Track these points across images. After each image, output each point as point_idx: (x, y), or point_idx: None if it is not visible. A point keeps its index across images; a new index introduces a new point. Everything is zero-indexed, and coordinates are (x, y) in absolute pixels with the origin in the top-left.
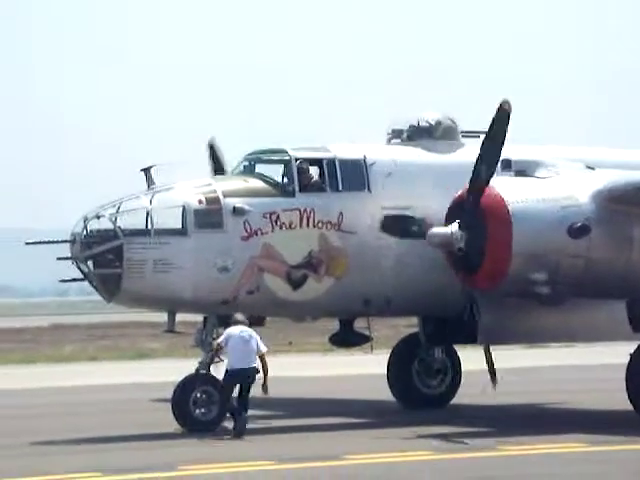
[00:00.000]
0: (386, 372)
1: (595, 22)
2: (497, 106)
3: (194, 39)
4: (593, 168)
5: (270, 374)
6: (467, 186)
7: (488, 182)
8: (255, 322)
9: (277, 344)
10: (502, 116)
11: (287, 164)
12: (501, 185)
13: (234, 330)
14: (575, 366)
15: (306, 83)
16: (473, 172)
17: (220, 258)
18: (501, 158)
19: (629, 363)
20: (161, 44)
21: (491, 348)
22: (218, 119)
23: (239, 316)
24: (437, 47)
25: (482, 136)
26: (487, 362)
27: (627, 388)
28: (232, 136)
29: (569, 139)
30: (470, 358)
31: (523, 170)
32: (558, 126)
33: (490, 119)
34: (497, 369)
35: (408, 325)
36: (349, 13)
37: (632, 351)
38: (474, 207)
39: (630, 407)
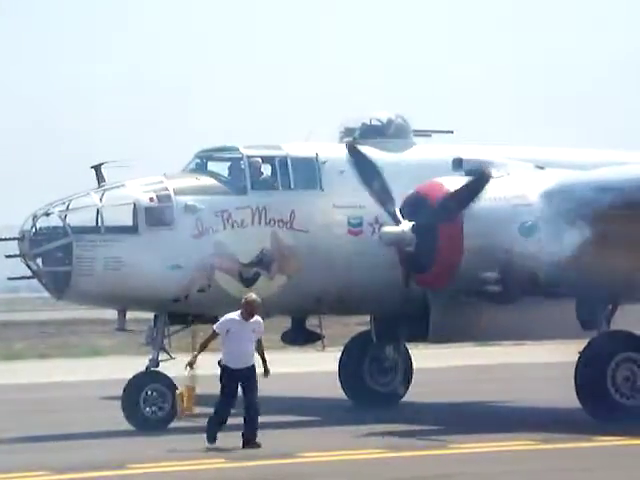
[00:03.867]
0: (338, 370)
1: (542, 21)
2: (479, 173)
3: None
4: (543, 168)
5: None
6: (419, 185)
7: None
8: (208, 321)
9: None
10: (479, 183)
11: (239, 162)
12: (452, 184)
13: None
14: (525, 364)
15: (260, 82)
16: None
17: (171, 256)
18: (452, 158)
19: (578, 361)
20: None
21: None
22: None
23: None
24: (389, 46)
25: (433, 135)
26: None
27: (576, 386)
28: (182, 135)
29: (520, 139)
30: (421, 356)
31: (474, 170)
32: (509, 125)
33: (470, 179)
34: (448, 367)
35: (360, 323)
36: (302, 10)
37: (581, 349)
38: (426, 206)
39: (579, 405)
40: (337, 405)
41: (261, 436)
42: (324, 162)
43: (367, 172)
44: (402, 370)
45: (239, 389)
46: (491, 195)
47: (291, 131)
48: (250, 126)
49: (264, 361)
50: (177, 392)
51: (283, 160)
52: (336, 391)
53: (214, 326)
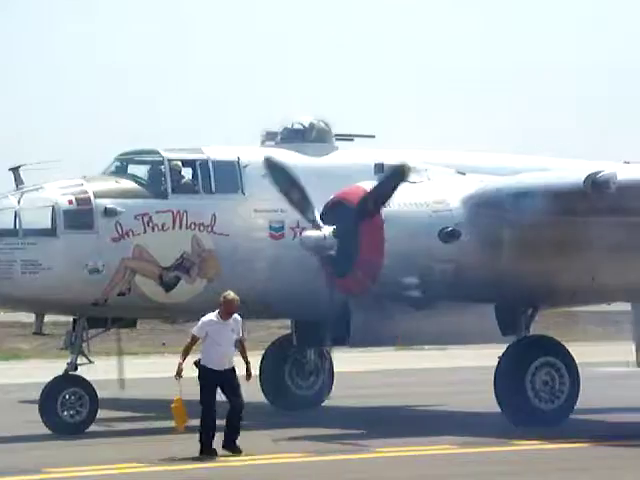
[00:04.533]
0: (259, 373)
1: (471, 23)
2: (396, 166)
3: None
4: (464, 173)
5: (141, 376)
6: (340, 189)
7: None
8: (127, 325)
9: (150, 346)
10: (397, 176)
11: (160, 165)
12: None
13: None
14: (446, 368)
15: (181, 85)
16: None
17: (91, 259)
18: (374, 162)
19: (497, 365)
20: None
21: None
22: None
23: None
24: (312, 49)
25: (355, 139)
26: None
27: (495, 390)
28: (102, 137)
29: (441, 143)
30: (343, 360)
31: (391, 165)
32: (431, 130)
33: (387, 173)
34: (369, 371)
35: (281, 327)
36: (224, 9)
37: (501, 354)
38: (347, 210)
39: (498, 409)
40: (257, 409)
41: (182, 440)
42: (245, 166)
43: (285, 183)
44: (323, 374)
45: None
46: (412, 200)
47: (212, 134)
48: (170, 129)
49: (247, 363)
50: (172, 406)
51: (204, 164)
52: (256, 395)
53: (193, 330)
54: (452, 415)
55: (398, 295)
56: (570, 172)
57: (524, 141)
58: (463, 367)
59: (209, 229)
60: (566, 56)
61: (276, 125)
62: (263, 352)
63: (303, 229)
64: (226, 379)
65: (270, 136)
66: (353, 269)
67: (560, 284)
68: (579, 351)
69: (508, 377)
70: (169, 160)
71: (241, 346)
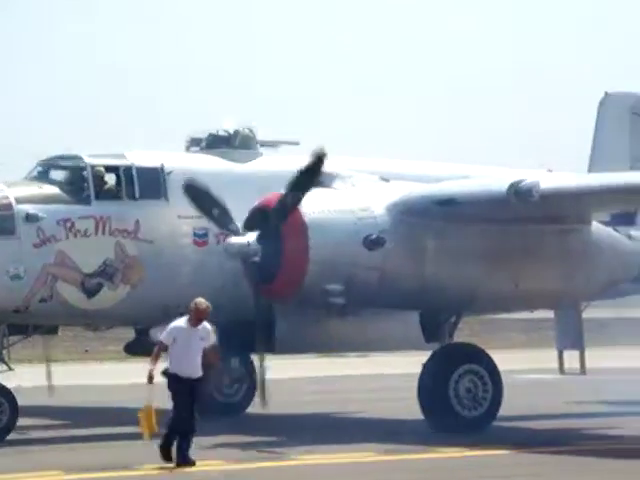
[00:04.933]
0: None
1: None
2: (314, 152)
3: None
4: (388, 180)
5: (65, 383)
6: (265, 195)
7: (287, 213)
8: (48, 331)
9: (72, 352)
10: (316, 163)
11: (82, 171)
12: None
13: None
14: (370, 375)
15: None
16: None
17: (12, 265)
18: (298, 168)
19: (421, 373)
20: None
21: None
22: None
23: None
24: (238, 56)
25: (280, 146)
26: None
27: (419, 397)
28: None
29: (365, 151)
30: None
31: (320, 181)
32: (354, 137)
33: (306, 161)
34: (295, 378)
35: None
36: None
37: (425, 361)
38: (271, 217)
39: (422, 416)
40: None
41: (99, 448)
42: (169, 172)
43: (205, 203)
44: (247, 381)
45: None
46: (337, 207)
47: (136, 139)
48: (93, 134)
49: (215, 369)
50: (140, 414)
51: (128, 169)
52: None
53: (160, 337)
54: (375, 422)
55: (322, 302)
56: (494, 180)
57: (447, 153)
58: (387, 374)
59: (132, 235)
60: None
61: (201, 131)
62: None
63: (227, 235)
64: (194, 389)
65: (195, 142)
66: (277, 276)
67: (484, 291)
68: (502, 358)
69: (431, 384)
70: (92, 166)
71: (213, 355)
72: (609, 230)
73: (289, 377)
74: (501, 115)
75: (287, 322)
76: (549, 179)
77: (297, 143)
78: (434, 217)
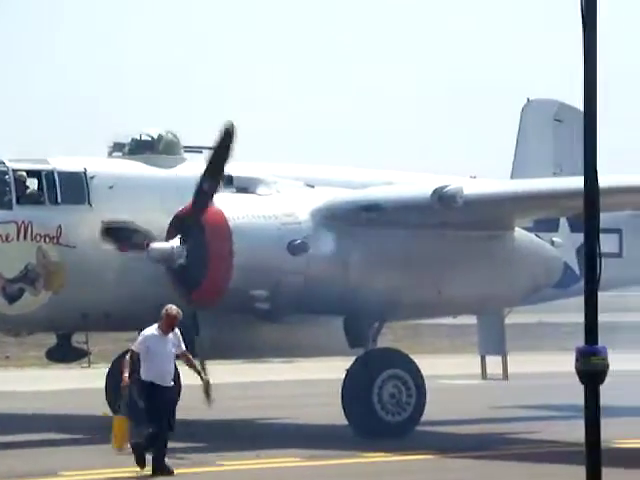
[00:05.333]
0: (105, 387)
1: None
2: (222, 128)
3: None
4: (313, 186)
5: None
6: (188, 201)
7: (211, 199)
8: None
9: None
10: (226, 138)
11: (4, 175)
12: (222, 201)
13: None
14: (294, 381)
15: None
16: (197, 188)
17: None
18: (223, 175)
19: (345, 378)
20: None
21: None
22: None
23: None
24: (162, 59)
25: (205, 151)
26: (202, 379)
27: (343, 403)
28: None
29: (289, 157)
30: (188, 374)
31: (245, 187)
32: (280, 143)
33: (215, 139)
34: (217, 384)
35: (131, 339)
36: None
37: (348, 366)
38: (195, 222)
39: (346, 421)
40: (102, 423)
41: (22, 455)
42: (92, 177)
43: (125, 240)
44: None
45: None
46: (261, 213)
47: (58, 144)
48: (15, 138)
49: (198, 372)
50: (114, 423)
51: (50, 174)
52: (102, 409)
53: (132, 346)
54: (300, 428)
55: (247, 307)
56: (417, 186)
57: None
58: (311, 380)
59: (55, 240)
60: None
61: (124, 136)
62: (110, 365)
63: (150, 241)
64: (164, 397)
65: (118, 147)
66: (202, 281)
67: (407, 297)
68: (426, 363)
69: (355, 389)
70: (14, 170)
71: (187, 359)
72: (532, 236)
73: (212, 382)
74: (426, 121)
75: (211, 328)
76: (473, 185)
77: None
78: (358, 223)
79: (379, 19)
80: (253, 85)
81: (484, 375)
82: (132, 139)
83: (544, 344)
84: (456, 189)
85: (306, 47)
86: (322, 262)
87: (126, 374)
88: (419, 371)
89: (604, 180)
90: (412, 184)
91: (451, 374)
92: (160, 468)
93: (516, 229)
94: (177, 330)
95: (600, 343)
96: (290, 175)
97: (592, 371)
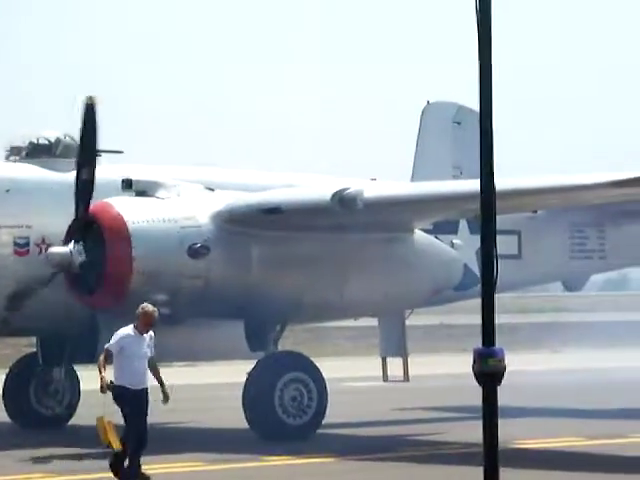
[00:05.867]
0: (2, 393)
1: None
2: (83, 105)
3: None
4: (213, 189)
5: None
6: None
7: (92, 189)
8: None
9: None
10: (89, 114)
11: None
12: (121, 205)
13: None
14: (196, 385)
15: None
16: (79, 187)
17: None
18: (122, 178)
19: (246, 382)
20: None
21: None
22: None
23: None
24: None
25: (103, 155)
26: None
27: (244, 406)
28: None
29: (188, 159)
30: (89, 378)
31: (144, 190)
32: (175, 147)
33: (80, 123)
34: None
35: (29, 344)
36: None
37: (249, 370)
38: (94, 226)
39: (247, 425)
40: (1, 429)
41: None
42: None
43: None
44: (69, 392)
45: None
46: (161, 216)
47: None
48: None
49: (162, 383)
50: (97, 424)
51: None
52: (0, 414)
53: (107, 345)
54: (201, 431)
55: None
56: (318, 188)
57: None
58: (213, 383)
59: None
60: None
61: (21, 140)
62: (8, 370)
63: (49, 245)
64: (138, 400)
65: (15, 151)
66: (101, 286)
67: (309, 300)
68: (328, 366)
69: (256, 393)
70: None
71: (154, 366)
72: (432, 238)
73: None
74: (327, 124)
75: (111, 332)
76: (373, 188)
77: (121, 152)
78: (259, 226)
79: (279, 20)
80: (153, 87)
81: (385, 377)
82: (29, 142)
83: (445, 345)
84: (356, 192)
85: (205, 48)
86: (222, 265)
87: (102, 374)
88: (320, 374)
89: (500, 182)
90: (313, 186)
91: (353, 376)
92: (136, 474)
93: (416, 231)
94: (152, 333)
95: (499, 344)
96: (190, 178)
97: (489, 372)
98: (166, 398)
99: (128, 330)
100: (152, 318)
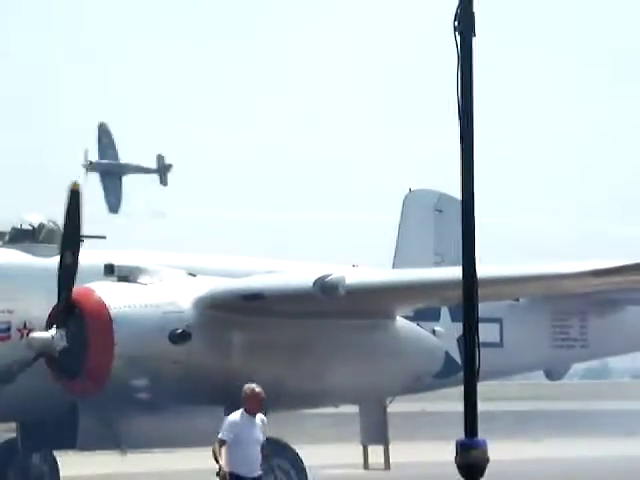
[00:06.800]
0: None
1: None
2: (68, 190)
3: None
4: (195, 275)
5: None
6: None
7: (74, 275)
8: None
9: None
10: (73, 200)
11: None
12: (103, 290)
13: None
14: (174, 471)
15: None
16: (61, 272)
17: None
18: (104, 263)
19: None
20: None
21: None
22: None
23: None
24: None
25: (86, 240)
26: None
27: None
28: None
29: (172, 245)
30: (69, 463)
31: (126, 276)
32: (160, 232)
33: (64, 208)
34: (99, 475)
35: (9, 429)
36: None
37: None
38: (75, 311)
39: None
40: None
41: None
42: None
43: None
44: (48, 479)
45: None
46: (143, 302)
47: None
48: None
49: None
50: None
51: None
52: None
53: (220, 435)
54: None
55: (127, 397)
56: (300, 275)
57: None
58: (190, 470)
59: None
60: None
61: (3, 224)
62: None
63: (30, 330)
64: None
65: None
66: (82, 371)
67: (290, 387)
68: (308, 453)
69: None
70: None
71: (266, 452)
72: (413, 325)
73: (93, 474)
74: (308, 210)
75: (91, 418)
76: (355, 274)
77: (104, 237)
78: (241, 312)
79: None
80: None
81: (366, 465)
82: (12, 227)
83: (427, 433)
84: (338, 278)
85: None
86: (204, 351)
87: (222, 462)
88: (301, 461)
89: (482, 270)
90: (295, 273)
91: (334, 463)
92: None
93: (398, 318)
94: (263, 416)
95: (479, 432)
96: (173, 264)
97: (472, 464)
98: None
99: (236, 416)
100: (259, 398)
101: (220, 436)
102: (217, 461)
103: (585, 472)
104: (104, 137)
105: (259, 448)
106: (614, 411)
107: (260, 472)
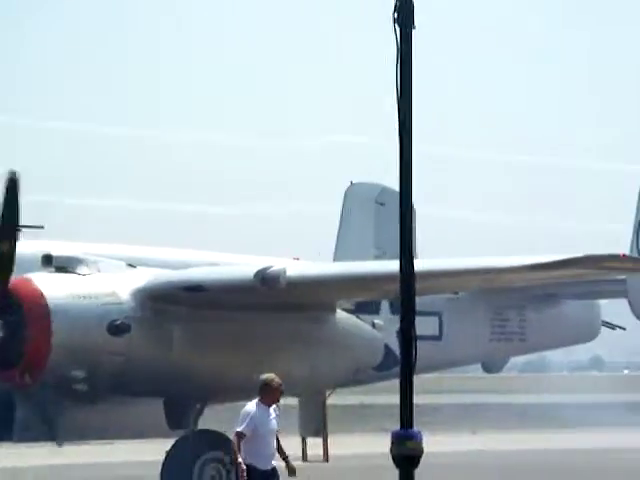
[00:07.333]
0: None
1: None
2: (5, 178)
3: None
4: (135, 266)
5: None
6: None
7: (11, 265)
8: None
9: None
10: (11, 188)
11: None
12: (41, 280)
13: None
14: (114, 463)
15: None
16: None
17: None
18: (42, 253)
19: (165, 460)
20: None
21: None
22: None
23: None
24: None
25: (23, 230)
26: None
27: None
28: None
29: (111, 236)
30: (4, 455)
31: (64, 266)
32: (98, 223)
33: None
34: (32, 467)
35: None
36: None
37: (168, 448)
38: (12, 302)
39: None
40: None
41: None
42: None
43: None
44: None
45: None
46: (81, 293)
47: None
48: None
49: (286, 457)
50: None
51: None
52: None
53: (239, 429)
54: None
55: (65, 388)
56: (241, 267)
57: None
58: (129, 462)
59: None
60: None
61: None
62: None
63: None
64: (273, 478)
65: None
66: (18, 362)
67: (229, 379)
68: None
69: (174, 472)
70: None
71: (278, 440)
72: (354, 318)
73: (28, 465)
74: (251, 203)
75: (27, 409)
76: (295, 267)
77: (42, 227)
78: (181, 303)
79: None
80: (75, 159)
81: (305, 457)
82: None
83: (366, 425)
84: (279, 270)
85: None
86: (143, 343)
87: (240, 460)
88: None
89: (420, 264)
90: (235, 265)
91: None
92: None
93: (338, 311)
94: (277, 406)
95: (418, 425)
96: (112, 255)
97: (406, 455)
98: (292, 472)
99: (253, 407)
100: (279, 391)
101: (239, 429)
102: (237, 459)
103: (521, 464)
104: None
105: (275, 439)
106: (551, 404)
107: (274, 464)
